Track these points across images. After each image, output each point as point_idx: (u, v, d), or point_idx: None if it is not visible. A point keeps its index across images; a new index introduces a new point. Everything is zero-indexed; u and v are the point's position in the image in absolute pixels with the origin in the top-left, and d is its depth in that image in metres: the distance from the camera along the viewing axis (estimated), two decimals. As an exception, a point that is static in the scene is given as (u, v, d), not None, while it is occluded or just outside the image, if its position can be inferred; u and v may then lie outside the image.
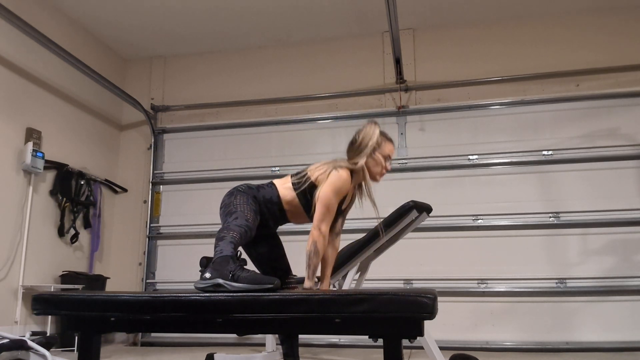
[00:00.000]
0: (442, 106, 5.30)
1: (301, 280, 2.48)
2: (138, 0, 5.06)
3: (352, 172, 2.47)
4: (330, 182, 2.39)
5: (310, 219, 2.46)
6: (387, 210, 3.28)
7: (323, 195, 2.38)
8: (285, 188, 2.50)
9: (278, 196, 2.48)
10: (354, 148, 2.52)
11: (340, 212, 2.56)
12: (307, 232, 2.47)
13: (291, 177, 2.54)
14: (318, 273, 2.51)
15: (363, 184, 2.52)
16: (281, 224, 2.62)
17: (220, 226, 2.29)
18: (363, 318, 1.72)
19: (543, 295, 4.73)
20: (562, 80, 5.10)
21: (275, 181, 2.55)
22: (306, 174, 2.48)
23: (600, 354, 4.33)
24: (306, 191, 2.45)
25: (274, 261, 2.62)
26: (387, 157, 2.55)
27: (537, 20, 5.29)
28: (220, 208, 2.41)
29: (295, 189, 2.48)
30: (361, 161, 2.47)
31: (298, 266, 2.70)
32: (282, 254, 2.67)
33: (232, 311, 1.84)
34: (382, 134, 2.55)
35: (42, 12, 4.91)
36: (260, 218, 2.42)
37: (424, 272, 4.95)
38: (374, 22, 5.38)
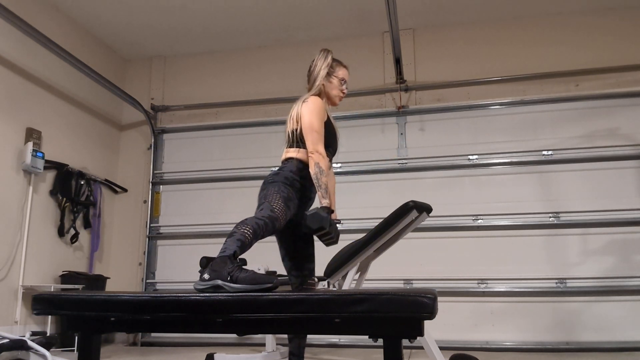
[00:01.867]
0: (442, 106, 5.30)
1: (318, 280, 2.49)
2: (138, 0, 5.06)
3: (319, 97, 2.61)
4: (305, 112, 2.52)
5: (330, 154, 2.60)
6: (387, 211, 3.28)
7: (305, 123, 2.49)
8: (294, 152, 2.55)
9: (299, 160, 2.53)
10: (311, 75, 2.69)
11: (335, 134, 2.64)
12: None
13: (285, 146, 2.61)
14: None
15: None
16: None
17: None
18: (363, 318, 1.71)
19: (543, 295, 4.73)
20: (562, 80, 5.10)
21: (284, 157, 2.59)
22: (288, 130, 2.58)
23: (600, 354, 4.33)
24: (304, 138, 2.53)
25: (305, 260, 2.63)
26: (343, 81, 2.70)
27: (537, 20, 5.29)
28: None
29: (298, 147, 2.54)
30: (317, 83, 2.64)
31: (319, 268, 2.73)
32: (312, 254, 2.69)
33: (232, 311, 1.84)
34: (335, 60, 2.72)
35: (42, 12, 4.91)
36: (300, 193, 2.48)
37: (424, 272, 4.95)
38: (374, 22, 5.38)
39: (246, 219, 2.20)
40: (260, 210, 2.30)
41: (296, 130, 2.54)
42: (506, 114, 5.16)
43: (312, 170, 2.42)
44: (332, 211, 2.43)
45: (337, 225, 2.53)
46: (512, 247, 4.86)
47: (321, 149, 2.46)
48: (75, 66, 4.95)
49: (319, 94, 2.63)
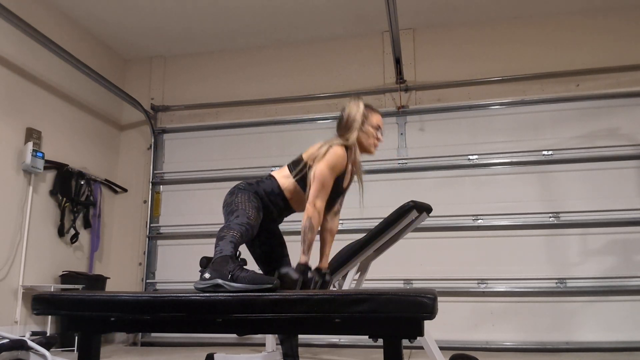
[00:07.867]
0: (442, 106, 5.30)
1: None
2: (138, 0, 5.06)
3: (347, 149, 2.51)
4: (325, 159, 2.43)
5: None
6: (387, 210, 3.28)
7: (318, 171, 2.42)
8: (284, 177, 2.52)
9: (279, 187, 2.50)
10: (343, 126, 2.57)
11: (341, 191, 2.58)
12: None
13: (288, 166, 2.57)
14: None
15: (356, 159, 2.56)
16: (286, 215, 2.63)
17: (221, 225, 2.29)
18: (363, 318, 1.71)
19: (543, 295, 4.73)
20: (562, 80, 5.10)
21: (274, 173, 2.57)
22: (302, 159, 2.52)
23: (600, 354, 4.33)
24: (306, 176, 2.47)
25: (276, 261, 2.62)
26: (377, 128, 2.59)
27: (537, 20, 5.29)
28: (223, 207, 2.42)
29: (295, 176, 2.50)
30: (353, 136, 2.51)
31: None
32: (284, 254, 2.66)
33: (232, 311, 1.84)
34: (367, 107, 2.60)
35: (42, 12, 4.91)
36: (264, 211, 2.44)
37: (424, 272, 4.95)
38: (374, 22, 5.38)
39: (229, 224, 2.20)
40: (237, 217, 2.26)
41: (306, 165, 2.47)
42: (506, 114, 5.16)
43: (303, 222, 2.36)
44: (309, 268, 2.34)
45: (324, 275, 2.44)
46: (512, 247, 4.85)
47: (320, 203, 2.40)
48: (75, 66, 4.95)
49: (349, 146, 2.50)
